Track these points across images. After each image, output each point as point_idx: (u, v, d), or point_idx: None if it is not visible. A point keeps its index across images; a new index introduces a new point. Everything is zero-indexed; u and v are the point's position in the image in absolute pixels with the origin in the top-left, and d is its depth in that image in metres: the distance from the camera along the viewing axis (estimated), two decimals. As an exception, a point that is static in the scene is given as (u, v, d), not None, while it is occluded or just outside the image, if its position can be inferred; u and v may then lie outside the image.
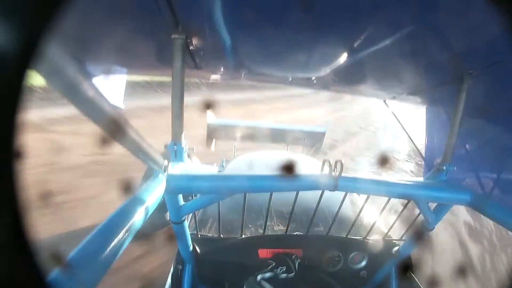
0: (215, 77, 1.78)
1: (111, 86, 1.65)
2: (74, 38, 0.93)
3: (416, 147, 1.69)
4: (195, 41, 0.98)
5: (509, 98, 1.04)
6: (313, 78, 1.55)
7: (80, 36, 0.96)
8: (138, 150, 0.68)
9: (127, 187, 0.81)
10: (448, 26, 0.80)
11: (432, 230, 1.24)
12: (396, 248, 1.47)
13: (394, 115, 1.86)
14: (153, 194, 0.80)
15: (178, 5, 0.80)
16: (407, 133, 1.77)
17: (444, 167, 1.15)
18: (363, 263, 1.52)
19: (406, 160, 6.80)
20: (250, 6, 0.82)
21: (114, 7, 0.82)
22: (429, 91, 1.35)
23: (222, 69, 1.54)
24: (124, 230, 0.61)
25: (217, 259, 1.40)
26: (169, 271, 1.45)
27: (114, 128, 0.51)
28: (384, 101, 1.88)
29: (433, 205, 1.22)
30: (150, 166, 0.85)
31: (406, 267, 1.43)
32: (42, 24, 0.21)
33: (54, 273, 0.40)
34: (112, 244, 0.57)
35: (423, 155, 1.66)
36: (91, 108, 0.47)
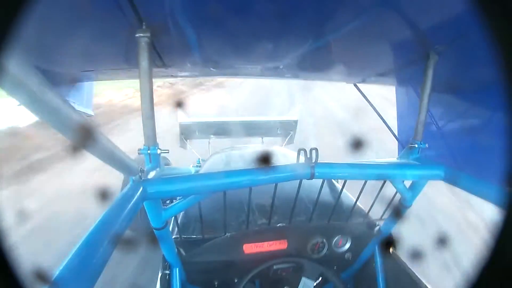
0: (183, 74, 1.75)
1: (79, 93, 1.60)
2: (35, 47, 0.89)
3: (389, 127, 1.73)
4: (160, 38, 0.95)
5: (475, 71, 1.07)
6: (282, 67, 1.55)
7: (41, 44, 0.92)
8: (110, 158, 0.66)
9: (103, 196, 0.79)
10: (412, 4, 0.81)
11: (409, 207, 1.28)
12: (377, 227, 1.51)
13: (365, 98, 1.90)
14: (131, 202, 0.78)
15: (140, 2, 0.77)
16: (379, 114, 1.81)
17: (416, 145, 1.19)
18: (347, 246, 1.56)
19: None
20: None
21: (73, 10, 0.79)
22: (397, 71, 1.38)
23: (190, 66, 1.52)
24: (106, 242, 0.60)
25: (203, 259, 1.40)
26: (157, 277, 1.44)
27: (83, 137, 0.49)
28: (355, 84, 1.91)
29: (409, 183, 1.26)
30: (124, 173, 0.83)
31: (388, 245, 1.47)
32: (0, 35, 0.20)
33: None
34: (97, 257, 0.56)
35: (396, 135, 1.69)
36: (58, 118, 0.45)
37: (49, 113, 0.43)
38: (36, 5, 0.22)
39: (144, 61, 0.90)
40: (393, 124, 1.74)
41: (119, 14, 0.80)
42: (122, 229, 0.69)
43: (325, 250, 1.52)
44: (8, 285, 0.22)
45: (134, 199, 0.80)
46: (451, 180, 1.10)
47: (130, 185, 0.85)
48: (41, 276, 0.35)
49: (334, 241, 1.53)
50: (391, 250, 1.47)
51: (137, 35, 0.87)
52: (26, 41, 0.41)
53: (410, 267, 1.38)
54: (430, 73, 1.08)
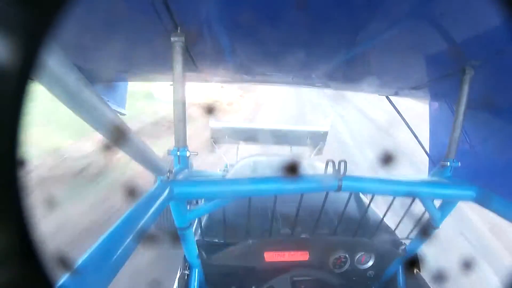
0: (216, 79, 1.78)
1: (114, 92, 1.67)
2: (74, 46, 0.94)
3: (420, 143, 1.68)
4: (194, 43, 0.97)
5: None
6: (313, 76, 1.55)
7: (80, 43, 0.96)
8: (141, 157, 0.68)
9: (131, 193, 0.81)
10: (447, 17, 0.79)
11: (438, 228, 1.23)
12: (403, 247, 1.46)
13: (398, 111, 1.85)
14: (158, 201, 0.80)
15: (176, 7, 0.80)
16: (410, 129, 1.76)
17: (448, 163, 1.14)
18: (370, 263, 1.51)
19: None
20: (248, 6, 0.82)
21: (112, 12, 0.82)
22: (431, 84, 1.34)
23: (222, 71, 1.54)
24: (130, 237, 0.61)
25: (223, 263, 1.40)
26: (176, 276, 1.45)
27: (116, 135, 0.51)
28: (387, 97, 1.87)
29: (438, 203, 1.21)
30: (153, 173, 0.85)
31: (413, 265, 1.42)
32: (41, 34, 0.22)
33: (62, 279, 0.40)
34: (120, 250, 0.57)
35: (427, 151, 1.64)
36: (93, 115, 0.47)
37: (85, 110, 0.45)
38: (77, 6, 0.23)
39: (178, 65, 0.92)
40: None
41: (155, 18, 0.83)
42: (147, 226, 0.70)
43: (347, 266, 1.48)
44: (31, 267, 0.23)
45: (160, 198, 0.82)
46: (483, 201, 1.04)
47: (157, 184, 0.86)
48: (64, 262, 0.36)
49: (357, 257, 1.49)
50: (415, 271, 1.42)
51: (172, 39, 0.89)
52: (66, 39, 0.43)
53: None
54: (465, 88, 1.05)
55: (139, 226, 0.67)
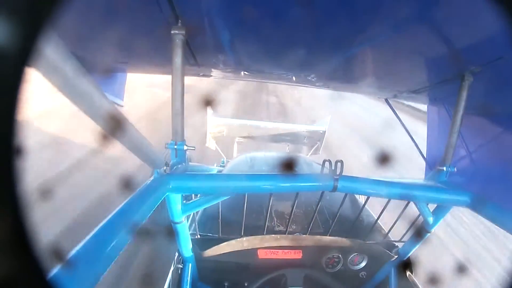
0: (215, 74, 1.77)
1: (112, 83, 1.65)
2: (73, 35, 0.93)
3: (417, 147, 1.68)
4: (195, 37, 0.97)
5: (511, 95, 1.03)
6: (313, 76, 1.54)
7: (80, 32, 0.95)
8: (138, 149, 0.68)
9: (127, 186, 0.80)
10: (448, 22, 0.79)
11: (430, 232, 1.24)
12: (396, 249, 1.47)
13: (396, 114, 1.85)
14: (153, 194, 0.80)
15: (178, 0, 0.79)
16: (408, 132, 1.76)
17: (444, 168, 1.15)
18: (363, 264, 1.52)
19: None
20: (250, 2, 0.81)
21: (113, 3, 0.81)
22: (430, 89, 1.34)
23: (222, 67, 1.53)
24: (124, 230, 0.61)
25: (217, 259, 1.40)
26: (169, 270, 1.45)
27: (113, 126, 0.51)
28: (386, 100, 1.87)
29: (433, 207, 1.21)
30: (150, 165, 0.84)
31: (406, 268, 1.43)
32: (40, 21, 0.21)
33: (55, 270, 0.39)
34: (113, 242, 0.57)
35: (424, 155, 1.65)
36: (90, 104, 0.47)
37: (82, 99, 0.45)
38: None
39: (177, 58, 0.91)
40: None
41: (156, 9, 0.82)
42: (141, 219, 0.70)
43: (339, 266, 1.49)
44: (24, 259, 0.23)
45: (156, 192, 0.81)
46: (477, 208, 1.05)
47: (154, 177, 0.86)
48: (57, 254, 0.36)
49: (350, 257, 1.50)
50: (407, 273, 1.43)
51: (172, 32, 0.89)
52: (65, 27, 0.43)
53: None
54: (463, 94, 1.05)
55: (134, 218, 0.67)
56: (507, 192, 1.09)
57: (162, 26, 0.89)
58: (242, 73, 1.61)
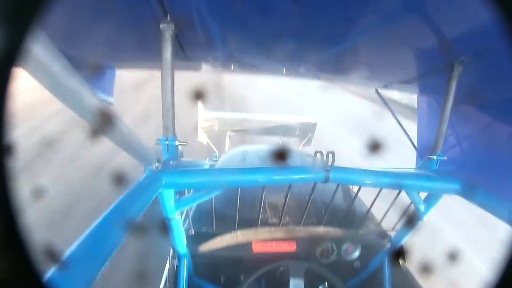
0: (205, 68, 1.76)
1: (101, 80, 1.63)
2: (60, 32, 0.91)
3: (408, 136, 1.69)
4: (184, 31, 0.96)
5: (500, 85, 1.04)
6: (303, 68, 1.54)
7: (67, 29, 0.94)
8: (129, 146, 0.67)
9: (120, 183, 0.80)
10: (438, 13, 0.79)
11: (422, 220, 1.25)
12: (389, 238, 1.49)
13: (386, 104, 1.86)
14: (147, 191, 0.79)
15: None
16: (398, 122, 1.77)
17: (435, 157, 1.16)
18: (356, 254, 1.54)
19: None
20: None
21: None
22: (420, 79, 1.35)
23: (212, 61, 1.52)
24: (119, 227, 0.61)
25: (212, 254, 1.40)
26: (165, 266, 1.45)
27: (103, 123, 0.50)
28: (376, 90, 1.88)
29: (424, 195, 1.23)
30: (142, 162, 0.84)
31: (399, 256, 1.45)
32: (27, 20, 0.21)
33: (50, 271, 0.39)
34: (108, 241, 0.57)
35: (415, 145, 1.66)
36: (79, 102, 0.46)
37: (70, 97, 0.44)
38: None
39: (167, 53, 0.91)
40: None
41: (144, 4, 0.81)
42: (135, 216, 0.70)
43: (333, 256, 1.50)
44: (18, 261, 0.23)
45: (149, 188, 0.81)
46: (467, 195, 1.07)
47: (146, 174, 0.86)
48: (51, 254, 0.36)
49: (343, 247, 1.51)
50: (400, 262, 1.45)
51: (161, 26, 0.88)
52: (52, 24, 0.42)
53: (419, 281, 1.35)
54: (453, 84, 1.06)
55: (128, 216, 0.66)
56: (497, 179, 1.11)
57: (151, 21, 0.88)
58: (232, 66, 1.61)
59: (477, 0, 0.47)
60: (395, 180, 1.10)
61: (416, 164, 1.40)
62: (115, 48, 1.28)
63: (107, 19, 0.92)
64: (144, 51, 1.30)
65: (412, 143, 1.67)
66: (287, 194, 1.23)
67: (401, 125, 1.77)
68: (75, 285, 0.46)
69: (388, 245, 1.47)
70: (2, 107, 0.20)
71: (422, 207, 1.21)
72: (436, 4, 0.76)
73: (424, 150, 1.57)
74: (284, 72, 1.70)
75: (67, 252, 0.48)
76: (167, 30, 0.88)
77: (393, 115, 1.83)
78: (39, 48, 0.33)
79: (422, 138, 1.66)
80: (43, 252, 0.31)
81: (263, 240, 1.42)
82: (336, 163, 1.06)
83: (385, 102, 1.88)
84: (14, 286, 0.22)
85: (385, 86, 1.79)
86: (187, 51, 1.20)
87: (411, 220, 1.28)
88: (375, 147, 0.97)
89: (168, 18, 0.87)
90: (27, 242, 0.23)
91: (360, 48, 1.13)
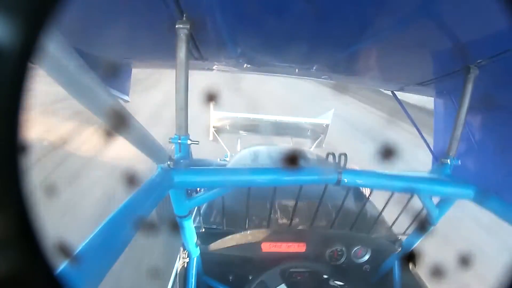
0: (219, 68, 1.77)
1: (117, 79, 1.65)
2: (77, 30, 0.93)
3: (424, 139, 1.67)
4: (199, 31, 0.96)
5: None
6: (316, 68, 1.54)
7: (83, 28, 0.95)
8: (142, 144, 0.68)
9: (132, 181, 0.81)
10: (454, 14, 0.78)
11: (434, 225, 1.23)
12: (399, 242, 1.47)
13: (403, 107, 1.84)
14: (158, 189, 0.80)
15: None
16: (415, 125, 1.75)
17: (449, 161, 1.14)
18: (366, 257, 1.52)
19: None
20: None
21: None
22: (436, 81, 1.33)
23: (226, 59, 1.53)
24: (130, 224, 0.62)
25: (221, 252, 1.41)
26: (174, 265, 1.46)
27: (117, 121, 0.51)
28: (392, 92, 1.86)
29: (437, 200, 1.21)
30: (154, 160, 0.85)
31: (409, 261, 1.43)
32: (43, 17, 0.21)
33: (62, 266, 0.40)
34: (119, 237, 0.58)
35: (431, 148, 1.64)
36: (94, 101, 0.47)
37: (85, 95, 0.45)
38: None
39: (181, 52, 0.92)
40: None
41: (160, 4, 0.82)
42: (146, 213, 0.71)
43: (343, 259, 1.50)
44: (30, 255, 0.23)
45: (160, 186, 0.82)
46: (481, 201, 1.05)
47: (158, 172, 0.87)
48: (63, 249, 0.36)
49: (353, 251, 1.50)
50: (411, 267, 1.43)
51: (176, 26, 0.89)
52: (68, 23, 0.42)
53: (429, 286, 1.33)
54: (469, 87, 1.04)
55: (139, 213, 0.67)
56: (510, 186, 1.08)
57: (167, 21, 0.89)
58: (246, 66, 1.61)
59: (494, 2, 0.46)
60: (408, 184, 1.08)
61: (431, 168, 1.38)
62: (130, 47, 1.29)
63: (123, 18, 0.93)
64: (159, 50, 1.31)
65: (428, 147, 1.64)
66: (298, 195, 1.23)
67: (417, 127, 1.74)
68: (87, 279, 0.47)
69: (399, 250, 1.46)
70: (18, 106, 0.21)
71: (434, 212, 1.19)
72: (451, 6, 0.74)
73: (440, 154, 1.54)
74: (297, 72, 1.70)
75: (79, 247, 0.49)
76: (183, 30, 0.89)
77: (410, 117, 1.81)
78: (54, 46, 0.33)
79: (438, 141, 1.64)
80: (56, 246, 0.31)
81: (273, 240, 1.42)
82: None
83: (401, 104, 1.85)
84: (27, 281, 0.22)
85: (402, 89, 1.77)
86: (202, 50, 1.21)
87: (422, 224, 1.26)
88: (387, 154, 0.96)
89: (184, 18, 0.88)
90: (40, 237, 0.23)
91: (375, 49, 1.12)
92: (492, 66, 0.98)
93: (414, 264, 1.43)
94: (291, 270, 1.42)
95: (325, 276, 1.39)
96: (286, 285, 1.36)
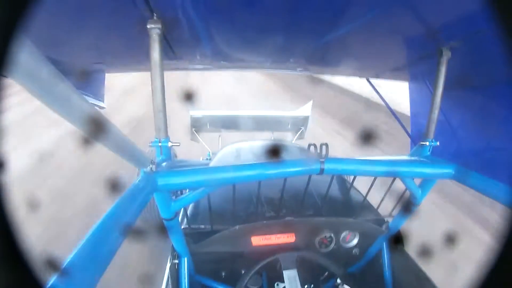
0: (194, 67, 1.75)
1: (90, 85, 1.62)
2: (46, 38, 0.90)
3: (401, 124, 1.70)
4: (171, 30, 0.95)
5: (489, 68, 1.05)
6: (292, 61, 1.54)
7: (52, 35, 0.92)
8: (122, 150, 0.67)
9: (114, 187, 0.80)
10: None
11: (418, 205, 1.27)
12: (386, 224, 1.51)
13: (378, 93, 1.87)
14: (142, 193, 0.79)
15: None
16: (391, 110, 1.78)
17: (427, 143, 1.17)
18: (355, 241, 1.55)
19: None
20: None
21: (84, 1, 0.79)
22: (410, 66, 1.36)
23: (200, 58, 1.52)
24: (117, 232, 0.61)
25: (212, 250, 1.41)
26: (166, 267, 1.45)
27: (94, 128, 0.50)
28: (367, 79, 1.89)
29: (419, 181, 1.24)
30: (135, 165, 0.83)
31: (397, 242, 1.47)
32: (11, 27, 0.20)
33: (52, 281, 0.39)
34: (107, 246, 0.57)
35: (409, 132, 1.67)
36: (69, 109, 0.46)
37: (60, 104, 0.44)
38: None
39: (155, 53, 0.90)
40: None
41: (129, 5, 0.80)
42: (132, 219, 0.70)
43: (332, 245, 1.52)
44: (19, 271, 0.22)
45: (144, 191, 0.81)
46: (461, 179, 1.08)
47: (141, 176, 0.85)
48: (51, 263, 0.35)
49: (341, 236, 1.53)
50: (399, 247, 1.47)
51: (148, 26, 0.87)
52: (37, 31, 0.41)
53: (418, 264, 1.37)
54: (442, 69, 1.07)
55: (125, 219, 0.66)
56: (489, 162, 1.12)
57: (138, 21, 0.87)
58: (221, 62, 1.60)
59: None
60: (389, 168, 1.11)
61: (410, 151, 1.41)
62: (102, 51, 1.27)
63: (92, 22, 0.91)
64: (133, 53, 1.29)
65: (406, 131, 1.68)
66: (283, 188, 1.23)
67: (393, 112, 1.78)
68: None
69: (386, 231, 1.49)
70: None
71: (417, 193, 1.22)
72: None
73: (417, 137, 1.58)
74: (273, 66, 1.70)
75: (67, 260, 0.48)
76: (154, 29, 0.87)
77: (386, 104, 1.84)
78: (25, 55, 0.32)
79: (415, 125, 1.67)
80: (43, 261, 0.30)
81: (262, 233, 1.43)
82: None
83: (377, 91, 1.88)
84: None
85: (377, 76, 1.79)
86: (176, 49, 1.20)
87: (407, 205, 1.30)
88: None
89: (155, 17, 0.86)
90: (27, 254, 0.23)
91: (348, 38, 1.13)
92: (464, 47, 1.01)
93: (402, 244, 1.47)
94: (283, 259, 1.43)
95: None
96: (298, 272, 1.37)
